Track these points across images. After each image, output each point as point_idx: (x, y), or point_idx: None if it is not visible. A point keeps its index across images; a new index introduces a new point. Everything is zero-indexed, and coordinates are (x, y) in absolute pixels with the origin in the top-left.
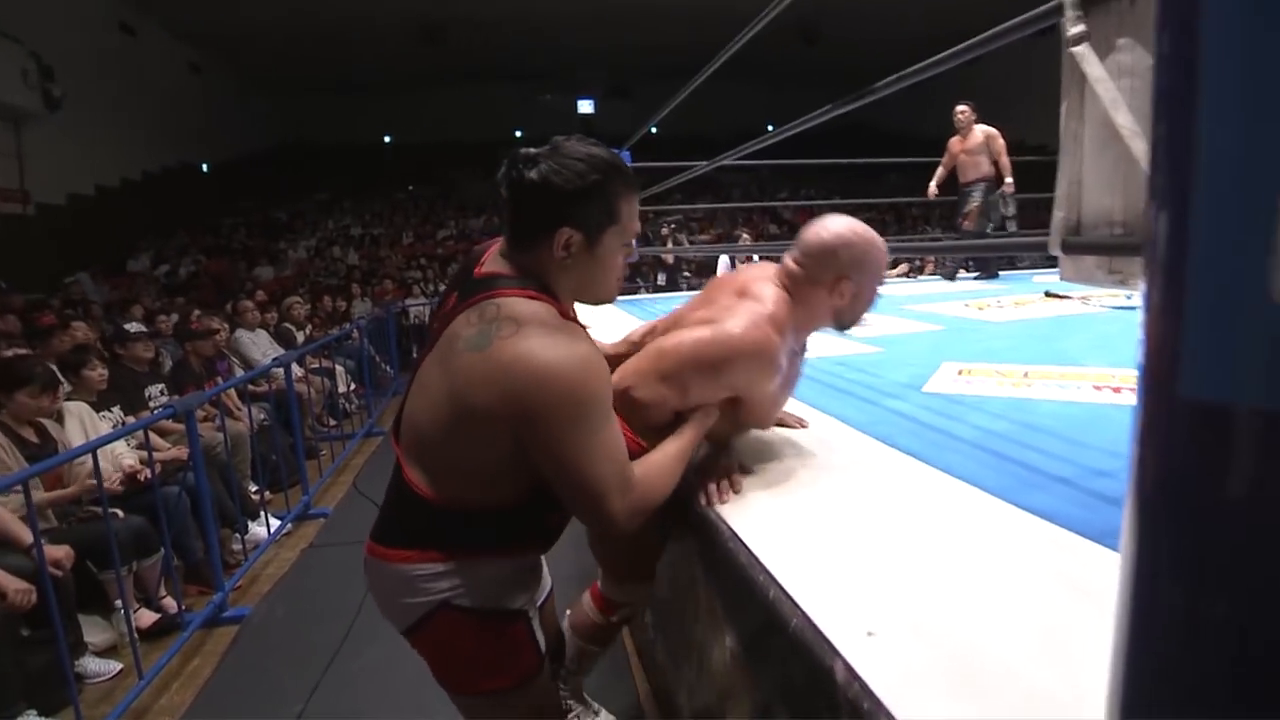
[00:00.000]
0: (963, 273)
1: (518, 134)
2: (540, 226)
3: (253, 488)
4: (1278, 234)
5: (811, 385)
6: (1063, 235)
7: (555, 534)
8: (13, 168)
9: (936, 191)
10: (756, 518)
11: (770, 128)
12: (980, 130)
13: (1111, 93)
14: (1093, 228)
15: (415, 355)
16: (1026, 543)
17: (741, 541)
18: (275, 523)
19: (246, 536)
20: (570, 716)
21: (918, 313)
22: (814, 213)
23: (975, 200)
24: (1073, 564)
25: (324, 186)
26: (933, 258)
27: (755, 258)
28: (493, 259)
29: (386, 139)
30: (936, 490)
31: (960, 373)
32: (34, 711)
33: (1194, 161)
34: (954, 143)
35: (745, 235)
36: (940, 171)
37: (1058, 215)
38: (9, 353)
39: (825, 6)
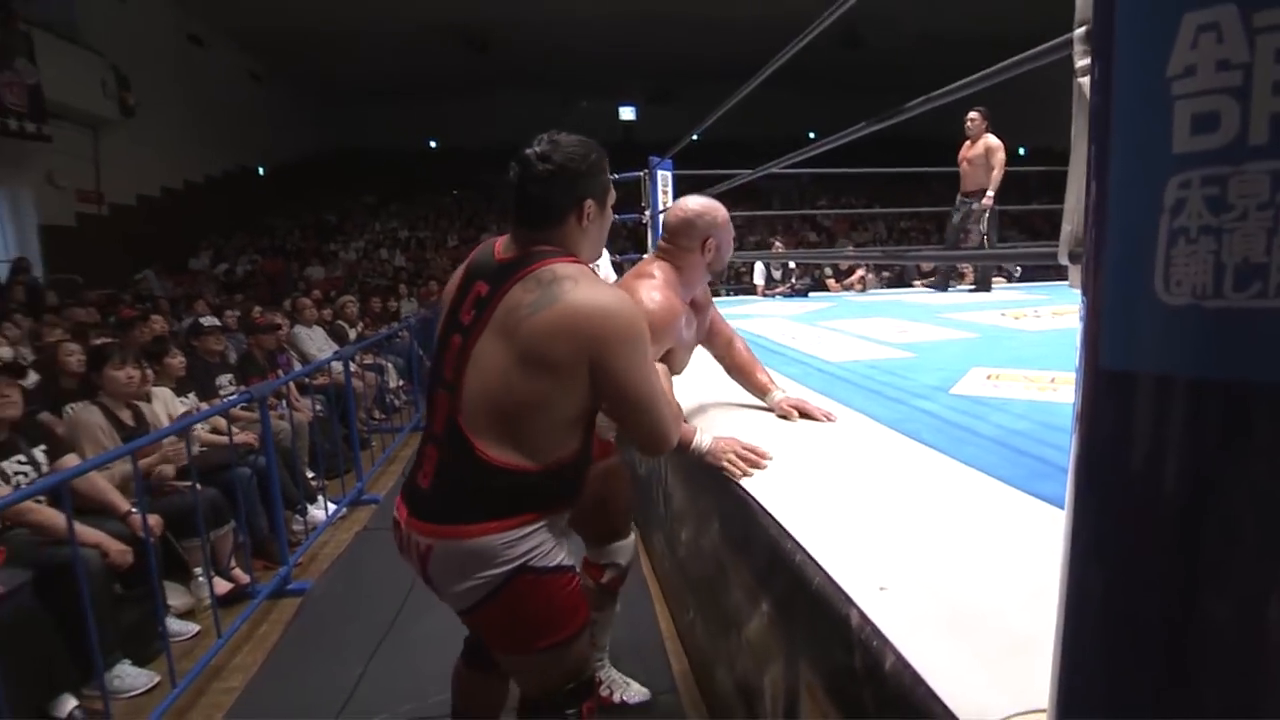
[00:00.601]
0: (956, 285)
1: None
2: (566, 204)
3: (310, 474)
4: (1157, 250)
5: (843, 385)
6: (1070, 246)
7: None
8: (90, 171)
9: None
10: (785, 497)
11: (811, 134)
12: (985, 140)
13: None
14: None
15: (441, 346)
16: (1029, 521)
17: (772, 516)
18: (332, 507)
19: (306, 518)
20: (601, 687)
21: (953, 320)
22: (854, 221)
23: (963, 213)
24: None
25: (372, 190)
26: (971, 267)
27: (791, 265)
28: (509, 246)
29: (432, 144)
30: (953, 477)
31: (989, 377)
32: (128, 661)
33: (1106, 192)
34: (962, 150)
35: (778, 244)
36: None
37: (1066, 228)
38: (96, 341)
39: (866, 12)
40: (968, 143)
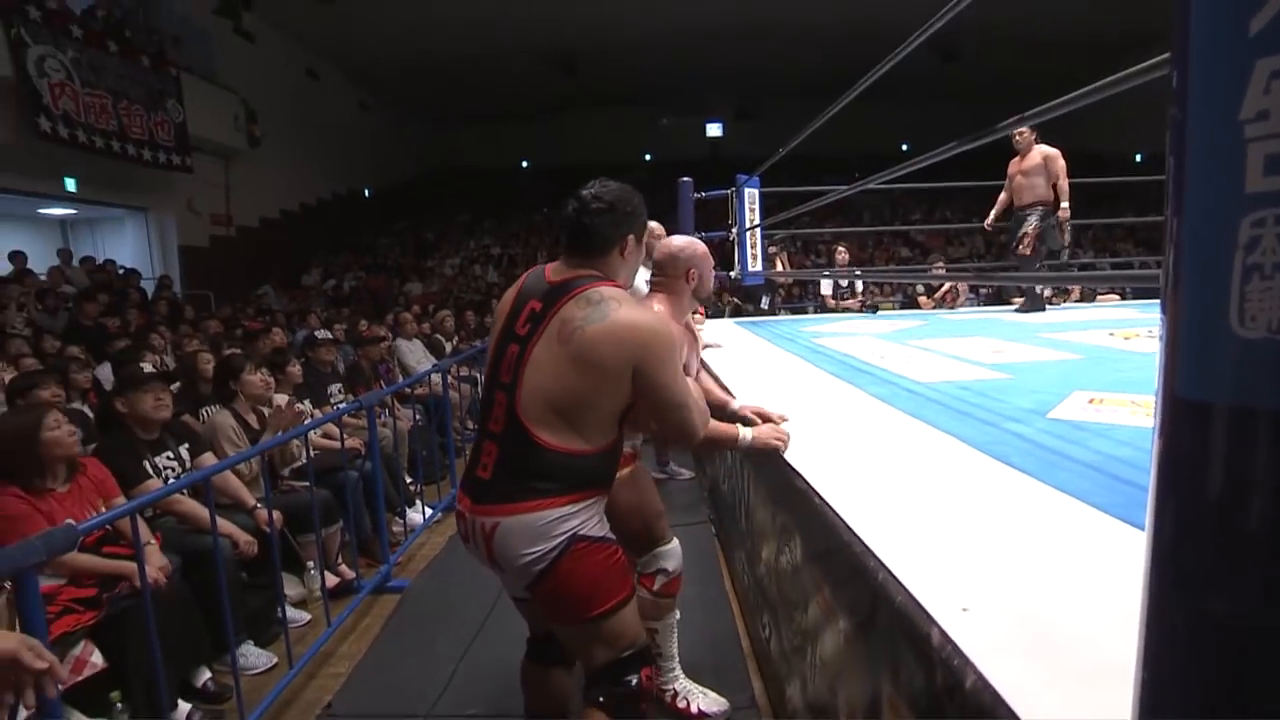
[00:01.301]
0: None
1: (646, 157)
2: (612, 237)
3: (409, 479)
4: (1232, 285)
5: (932, 407)
6: None
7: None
8: (221, 196)
9: (994, 222)
10: (869, 515)
11: (905, 147)
12: (1039, 151)
13: None
14: None
15: (497, 354)
16: (1121, 548)
17: (855, 534)
18: (428, 511)
19: (405, 521)
20: (678, 698)
21: (1054, 340)
22: (949, 236)
23: (1032, 224)
24: None
25: (467, 209)
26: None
27: (859, 286)
28: (560, 270)
29: (524, 163)
30: (1044, 502)
31: (1091, 401)
32: (251, 641)
33: (1182, 227)
34: (1012, 165)
35: (842, 251)
36: (1002, 197)
37: None
38: (227, 352)
39: (965, 23)
40: (1016, 158)
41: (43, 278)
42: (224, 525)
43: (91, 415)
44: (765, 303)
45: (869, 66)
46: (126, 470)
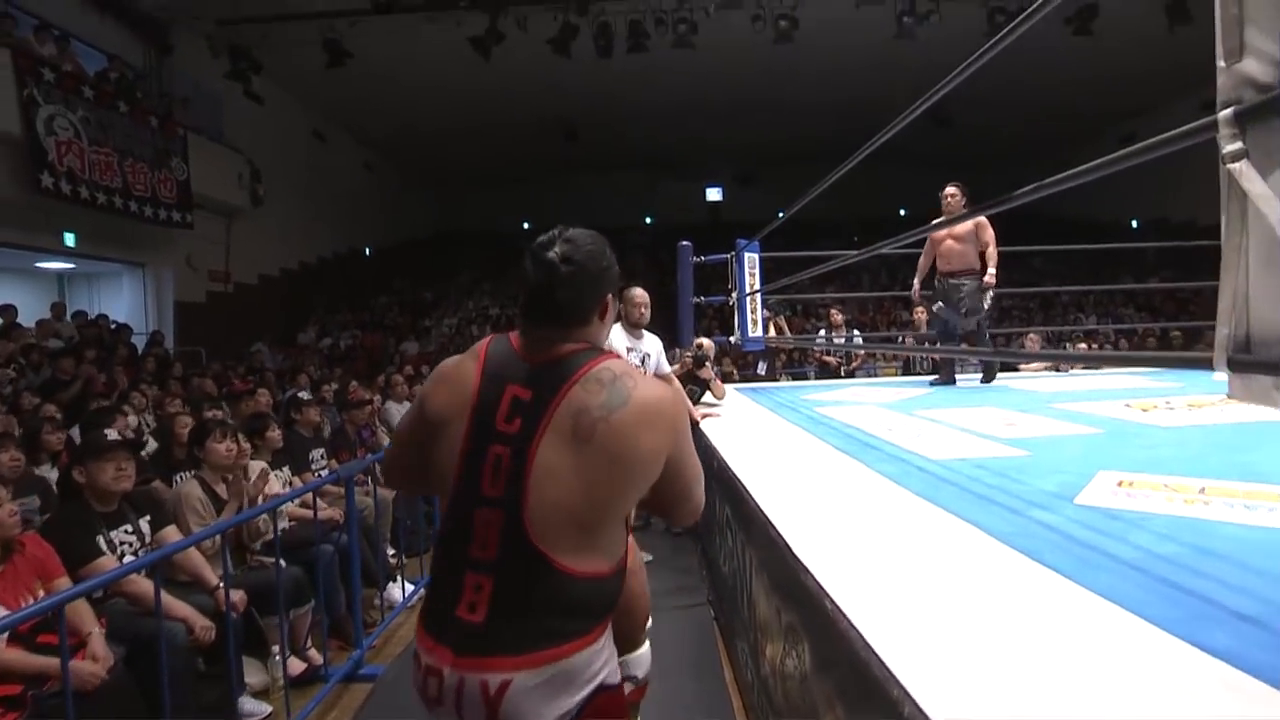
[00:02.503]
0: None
1: (647, 220)
2: (592, 301)
3: (390, 551)
4: None
5: (945, 488)
6: (1229, 352)
7: None
8: (221, 254)
9: (920, 288)
10: (890, 624)
11: (903, 211)
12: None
13: (1278, 211)
14: (1265, 345)
15: (470, 458)
16: (1193, 681)
17: (874, 652)
18: (409, 587)
19: (384, 597)
20: None
21: (1068, 412)
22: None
23: (967, 291)
24: (1252, 713)
25: (467, 269)
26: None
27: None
28: (539, 346)
29: (525, 225)
30: (1086, 610)
31: (1120, 484)
32: None
33: None
34: (940, 230)
35: (836, 314)
36: (923, 262)
37: (1222, 331)
38: (209, 413)
39: (956, 93)
40: (943, 220)
41: (31, 332)
42: (180, 608)
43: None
44: (762, 369)
45: (864, 135)
46: (76, 547)
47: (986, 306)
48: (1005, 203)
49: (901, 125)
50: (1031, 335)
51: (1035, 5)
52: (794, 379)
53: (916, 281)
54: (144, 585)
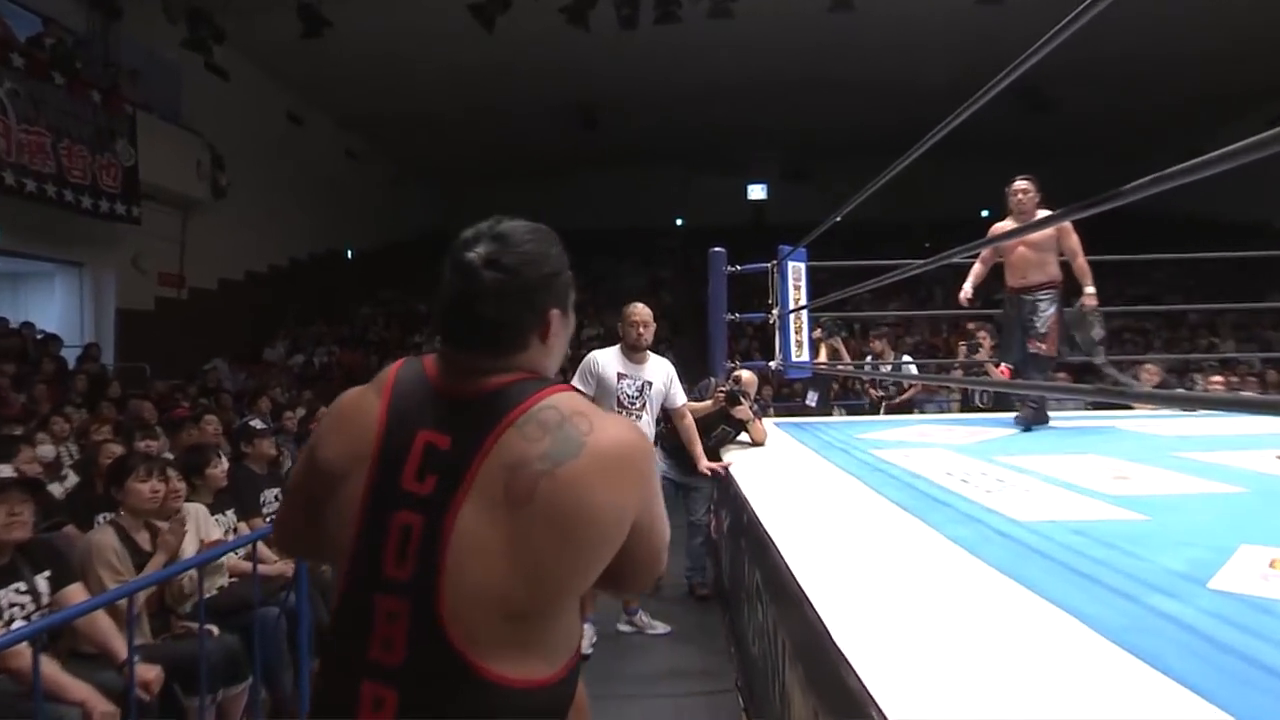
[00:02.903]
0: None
1: (678, 222)
2: (527, 322)
3: None
4: None
5: (1035, 560)
6: None
7: None
8: (174, 253)
9: (971, 296)
10: None
11: (985, 212)
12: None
13: None
14: None
15: (369, 528)
16: None
17: None
18: None
19: None
20: None
21: (1199, 464)
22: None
23: (1048, 312)
24: None
25: None
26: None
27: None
28: (459, 377)
29: None
30: None
31: (1273, 564)
32: None
33: None
34: (1002, 230)
35: (876, 342)
36: (978, 269)
37: None
38: (140, 443)
39: (1055, 71)
40: (1008, 221)
41: None
42: (77, 690)
43: None
44: (813, 399)
45: (937, 123)
46: None
47: (1100, 335)
48: (1115, 199)
49: (979, 104)
50: (1149, 367)
51: None
52: (849, 412)
53: (968, 287)
54: (29, 660)
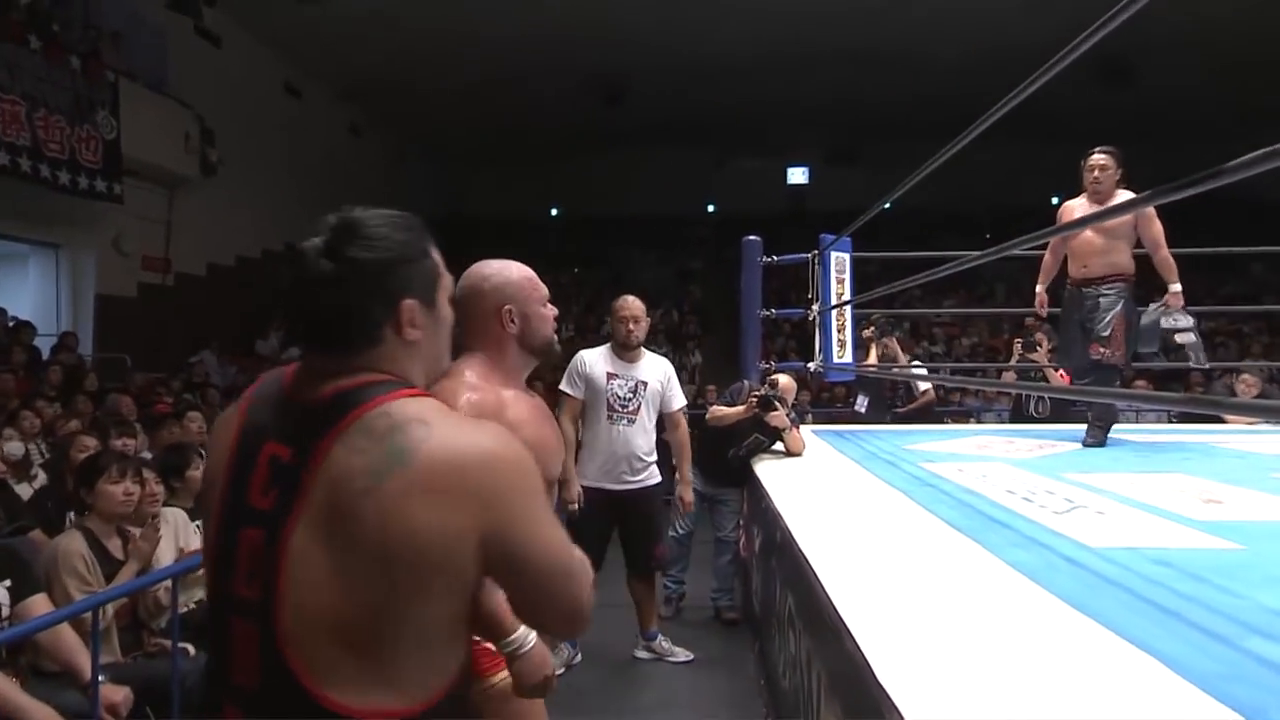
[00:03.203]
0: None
1: (710, 208)
2: (374, 313)
3: None
4: None
5: (1111, 593)
6: None
7: None
8: (160, 235)
9: (1045, 297)
10: None
11: (1056, 200)
12: (1119, 199)
13: None
14: None
15: (222, 543)
16: None
17: None
18: None
19: None
20: None
21: None
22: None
23: (1113, 310)
24: None
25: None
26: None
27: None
28: (306, 380)
29: (554, 211)
30: None
31: None
32: None
33: None
34: (1075, 213)
35: (889, 343)
36: (1048, 261)
37: None
38: (116, 441)
39: (1136, 39)
40: (1080, 201)
41: None
42: (36, 711)
43: None
44: (863, 405)
45: (1000, 99)
46: None
47: (1189, 335)
48: (1217, 177)
49: (1050, 75)
50: (1245, 377)
51: None
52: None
53: (1040, 288)
54: None
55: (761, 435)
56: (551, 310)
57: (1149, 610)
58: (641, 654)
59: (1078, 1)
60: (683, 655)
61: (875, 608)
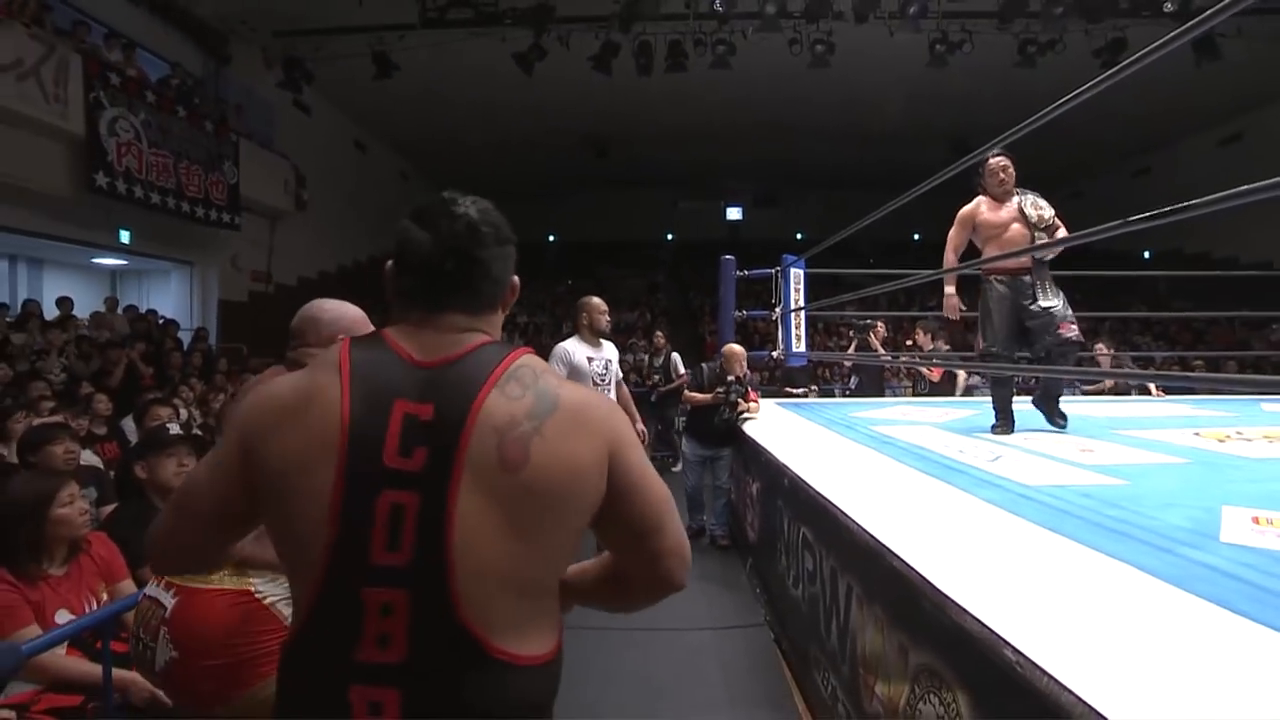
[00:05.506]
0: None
1: (668, 236)
2: (505, 280)
3: None
4: None
5: (1069, 520)
6: None
7: None
8: (264, 256)
9: (956, 300)
10: (1083, 675)
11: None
12: (1019, 201)
13: None
14: None
15: (353, 513)
16: None
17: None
18: None
19: None
20: None
21: (1141, 440)
22: (966, 324)
23: (1060, 292)
24: None
25: None
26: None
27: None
28: (431, 341)
29: (550, 237)
30: None
31: (1256, 520)
32: None
33: None
34: (974, 214)
35: (880, 326)
36: (950, 257)
37: None
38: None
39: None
40: (983, 205)
41: (85, 323)
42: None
43: (109, 472)
44: (852, 383)
45: (885, 163)
46: (139, 548)
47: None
48: (1096, 235)
49: (978, 157)
50: (1100, 346)
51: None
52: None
53: (950, 289)
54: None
55: (726, 407)
56: None
57: (1109, 533)
58: None
59: (937, 96)
60: None
61: (903, 535)
